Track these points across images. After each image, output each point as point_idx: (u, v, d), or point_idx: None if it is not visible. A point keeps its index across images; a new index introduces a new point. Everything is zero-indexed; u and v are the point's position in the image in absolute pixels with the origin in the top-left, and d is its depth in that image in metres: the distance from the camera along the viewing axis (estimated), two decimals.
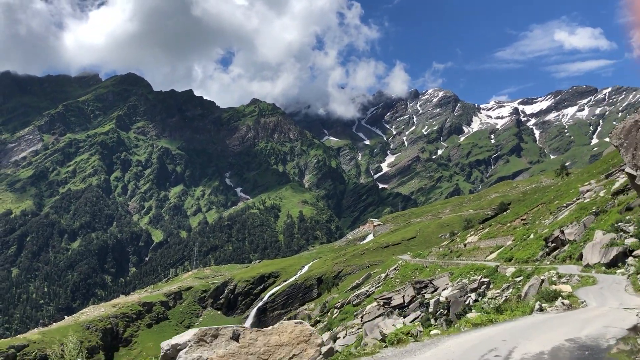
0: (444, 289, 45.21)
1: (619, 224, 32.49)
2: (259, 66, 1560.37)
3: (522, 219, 65.15)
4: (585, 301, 17.33)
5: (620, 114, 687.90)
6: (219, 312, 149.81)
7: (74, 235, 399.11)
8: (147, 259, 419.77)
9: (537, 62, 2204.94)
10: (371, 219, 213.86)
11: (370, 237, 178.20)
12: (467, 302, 43.06)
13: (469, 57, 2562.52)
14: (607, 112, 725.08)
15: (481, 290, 43.24)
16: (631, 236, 29.51)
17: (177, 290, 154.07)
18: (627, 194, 40.39)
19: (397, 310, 47.05)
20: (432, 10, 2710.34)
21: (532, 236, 52.40)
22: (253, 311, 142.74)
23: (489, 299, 42.90)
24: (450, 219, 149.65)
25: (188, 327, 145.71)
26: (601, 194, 51.45)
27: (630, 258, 27.28)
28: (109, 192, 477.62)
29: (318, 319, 79.90)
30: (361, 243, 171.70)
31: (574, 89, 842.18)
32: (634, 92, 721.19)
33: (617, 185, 46.72)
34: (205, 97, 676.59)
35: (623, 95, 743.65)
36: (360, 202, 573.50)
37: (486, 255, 61.51)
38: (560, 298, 17.84)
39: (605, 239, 31.48)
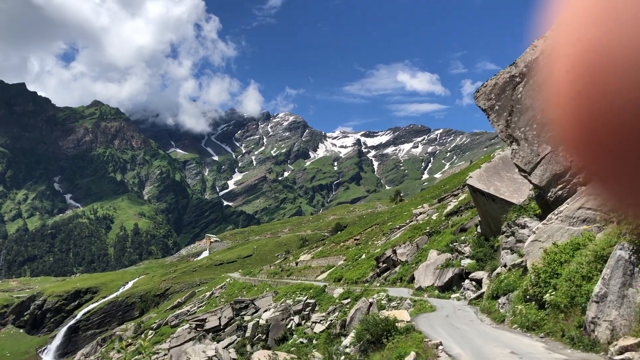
0: (266, 310, 39.85)
1: (455, 244, 29.79)
2: (105, 67, 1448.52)
3: (355, 239, 62.73)
4: (441, 342, 11.79)
5: (448, 153, 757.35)
6: (22, 331, 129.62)
7: None
8: None
9: (380, 100, 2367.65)
10: (208, 235, 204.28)
11: (205, 254, 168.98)
12: (289, 326, 38.03)
13: (320, 86, 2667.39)
14: (438, 151, 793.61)
15: (306, 312, 38.56)
16: (467, 257, 26.67)
17: None
18: (461, 215, 38.68)
19: (211, 333, 40.55)
20: (288, 37, 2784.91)
21: (363, 256, 49.49)
22: (63, 330, 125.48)
23: (312, 322, 38.39)
24: (289, 238, 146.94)
25: None
26: (434, 217, 50.28)
27: (467, 281, 24.13)
28: None
29: (130, 341, 69.94)
30: (195, 260, 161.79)
31: (410, 127, 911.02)
32: (461, 135, 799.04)
33: (450, 207, 45.43)
34: (39, 93, 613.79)
35: (452, 137, 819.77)
36: (202, 218, 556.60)
37: (317, 274, 57.73)
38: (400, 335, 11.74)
39: (440, 259, 28.43)
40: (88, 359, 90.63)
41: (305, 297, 39.75)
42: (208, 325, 40.60)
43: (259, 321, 38.20)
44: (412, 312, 18.90)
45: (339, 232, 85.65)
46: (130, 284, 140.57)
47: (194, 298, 77.58)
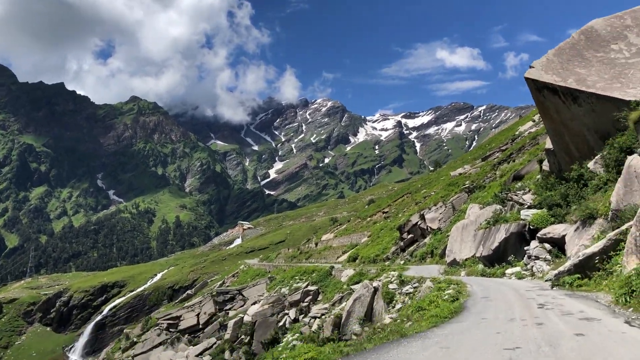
0: (255, 303, 30.38)
1: (507, 193, 19.27)
2: (142, 61, 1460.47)
3: (383, 212, 52.31)
4: None
5: (493, 130, 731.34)
6: (48, 329, 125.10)
7: None
8: None
9: (420, 80, 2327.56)
10: (241, 222, 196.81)
11: (238, 242, 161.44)
12: (282, 323, 28.20)
13: (358, 70, 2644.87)
14: (482, 128, 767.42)
15: (305, 303, 28.59)
16: (529, 207, 16.17)
17: None
18: (513, 161, 27.76)
19: (187, 335, 31.30)
20: (322, 21, 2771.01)
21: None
22: (89, 327, 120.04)
23: (311, 318, 28.54)
24: (323, 222, 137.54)
25: (6, 348, 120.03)
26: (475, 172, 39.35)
27: (533, 244, 13.70)
28: None
29: (135, 340, 61.91)
30: (226, 248, 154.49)
31: (452, 105, 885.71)
32: (505, 111, 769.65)
33: (498, 157, 34.42)
34: (78, 92, 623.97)
35: (496, 113, 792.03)
36: (244, 208, 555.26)
37: (338, 255, 47.82)
38: None
39: (484, 214, 17.86)
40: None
41: (306, 283, 29.81)
42: (183, 325, 31.29)
43: (242, 318, 28.51)
44: (404, 313, 8.54)
45: (366, 207, 75.44)
46: (158, 276, 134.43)
47: (205, 289, 69.23)
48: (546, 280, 10.97)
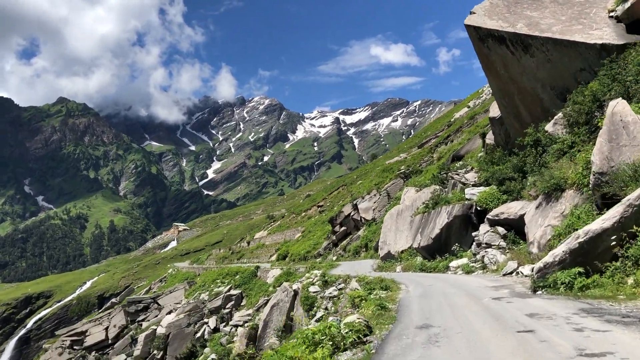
0: (170, 312, 26.85)
1: (447, 172, 16.71)
2: (69, 60, 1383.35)
3: (318, 206, 49.50)
4: None
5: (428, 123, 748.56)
6: None
7: None
8: None
9: (356, 77, 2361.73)
10: (176, 224, 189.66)
11: (173, 244, 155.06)
12: (199, 334, 24.80)
13: (294, 67, 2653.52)
14: (418, 123, 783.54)
15: (226, 310, 25.28)
16: (475, 185, 13.56)
17: None
18: (452, 142, 25.43)
19: (95, 352, 27.31)
20: (256, 19, 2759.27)
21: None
22: (12, 342, 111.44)
23: (233, 326, 25.30)
24: (261, 220, 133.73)
25: None
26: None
27: (482, 228, 11.04)
28: None
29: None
30: (161, 251, 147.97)
31: (388, 101, 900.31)
32: (440, 105, 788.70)
33: (434, 141, 32.19)
34: (0, 94, 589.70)
35: (431, 108, 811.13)
36: (182, 209, 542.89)
37: (271, 254, 44.71)
38: None
39: (421, 197, 15.17)
40: None
41: (228, 286, 26.39)
42: (90, 341, 27.27)
43: (155, 330, 24.75)
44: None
45: (301, 202, 72.57)
46: (88, 284, 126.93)
47: (132, 295, 64.35)
48: (504, 275, 8.25)
